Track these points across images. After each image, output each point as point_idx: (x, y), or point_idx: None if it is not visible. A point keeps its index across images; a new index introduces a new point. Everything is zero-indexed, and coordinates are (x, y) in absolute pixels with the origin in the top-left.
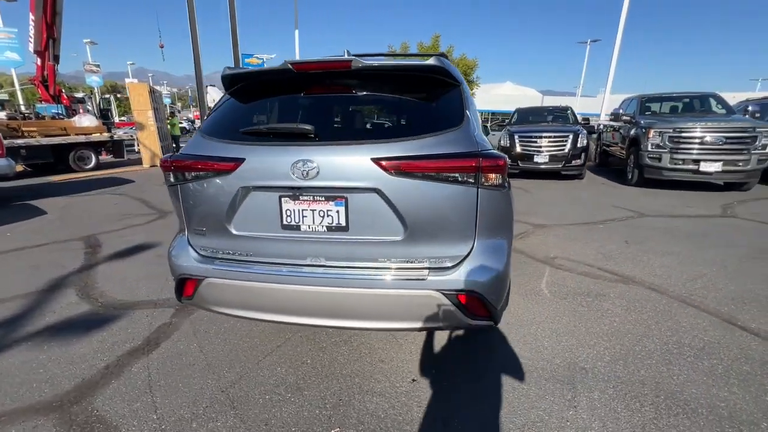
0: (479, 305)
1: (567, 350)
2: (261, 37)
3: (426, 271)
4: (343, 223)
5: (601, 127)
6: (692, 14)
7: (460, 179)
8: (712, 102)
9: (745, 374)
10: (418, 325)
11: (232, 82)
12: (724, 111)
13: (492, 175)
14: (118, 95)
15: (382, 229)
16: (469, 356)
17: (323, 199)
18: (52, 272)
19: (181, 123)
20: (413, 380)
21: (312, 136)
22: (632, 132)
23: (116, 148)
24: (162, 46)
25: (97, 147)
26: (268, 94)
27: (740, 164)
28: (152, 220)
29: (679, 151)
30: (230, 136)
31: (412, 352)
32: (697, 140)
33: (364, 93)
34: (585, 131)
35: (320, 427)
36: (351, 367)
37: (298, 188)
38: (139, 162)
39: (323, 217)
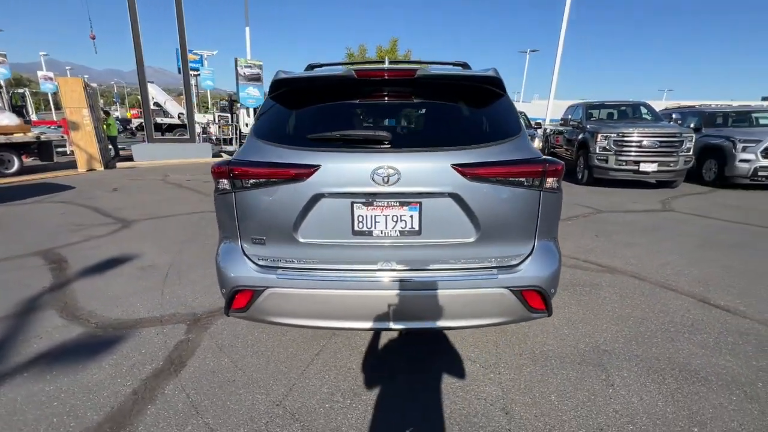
0: (539, 300)
1: (587, 336)
2: (205, 32)
3: (495, 270)
4: (416, 228)
5: (548, 131)
6: (615, 32)
7: (526, 183)
8: (643, 110)
9: (731, 344)
10: (486, 322)
11: (281, 85)
12: (652, 118)
13: (552, 180)
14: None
15: (454, 232)
16: (503, 348)
17: (397, 204)
18: (18, 293)
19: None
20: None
21: (387, 143)
22: (581, 136)
23: (43, 150)
24: (93, 38)
25: (19, 149)
26: (325, 100)
27: (671, 165)
28: (116, 231)
29: (622, 153)
30: (297, 142)
31: (448, 350)
32: (636, 144)
33: (423, 100)
34: (539, 134)
35: (394, 430)
36: (397, 369)
37: (374, 194)
38: (71, 165)
39: (396, 222)
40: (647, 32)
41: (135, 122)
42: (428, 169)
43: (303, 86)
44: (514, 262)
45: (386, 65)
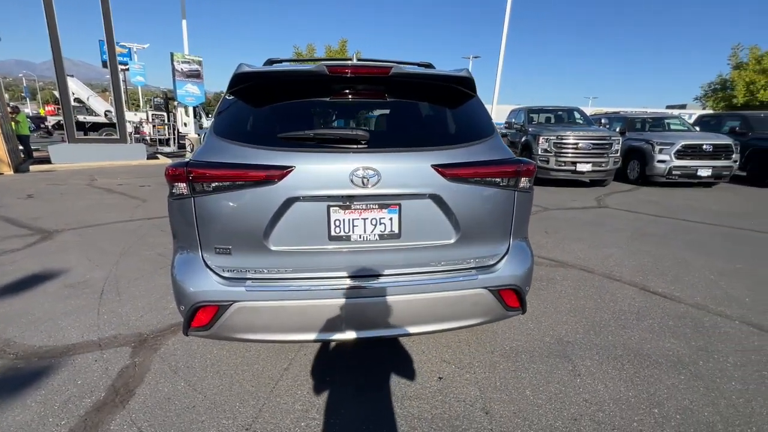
0: (515, 298)
1: (550, 329)
2: (134, 23)
3: (474, 271)
4: (396, 231)
5: None
6: (549, 42)
7: (502, 183)
8: (576, 114)
9: (672, 328)
10: (466, 323)
11: (245, 79)
12: (584, 122)
13: (525, 179)
14: None
15: (434, 234)
16: (475, 347)
17: (377, 206)
18: None
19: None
20: (440, 378)
21: (364, 143)
22: (524, 138)
23: None
24: None
25: None
26: (293, 97)
27: (603, 165)
28: (33, 243)
29: (561, 154)
30: (266, 141)
31: (421, 353)
32: (573, 146)
33: (398, 99)
34: None
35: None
36: (374, 377)
37: (352, 197)
38: None
39: (375, 225)
40: (577, 43)
41: (51, 120)
42: (408, 169)
43: (269, 81)
44: (491, 262)
45: (356, 62)
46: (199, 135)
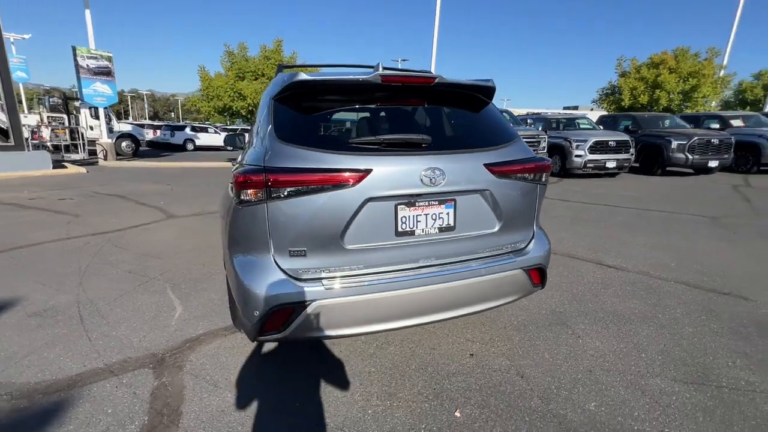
0: (540, 275)
1: (542, 303)
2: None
3: (512, 255)
4: (452, 224)
5: None
6: (472, 45)
7: (532, 178)
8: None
9: (630, 291)
10: (505, 301)
11: (301, 87)
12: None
13: (545, 174)
14: None
15: (482, 225)
16: (489, 325)
17: (437, 203)
18: None
19: None
20: (471, 355)
21: (425, 145)
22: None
23: None
24: None
25: None
26: (348, 103)
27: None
28: None
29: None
30: (337, 146)
31: (446, 336)
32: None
33: (438, 106)
34: None
35: (440, 415)
36: (416, 361)
37: (418, 195)
38: None
39: (435, 219)
40: (494, 46)
41: None
42: (466, 168)
43: (325, 88)
44: (522, 246)
45: (403, 72)
46: (112, 140)
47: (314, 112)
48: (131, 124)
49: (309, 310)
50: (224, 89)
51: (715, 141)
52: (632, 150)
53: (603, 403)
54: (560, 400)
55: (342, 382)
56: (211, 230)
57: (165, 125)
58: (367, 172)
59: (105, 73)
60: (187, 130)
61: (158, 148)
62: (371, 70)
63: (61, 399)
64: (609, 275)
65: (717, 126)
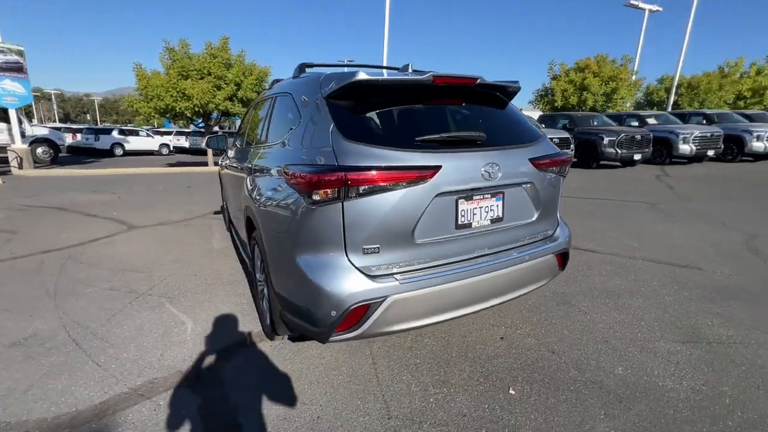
0: (563, 259)
1: (543, 288)
2: None
3: (546, 241)
4: (501, 215)
5: None
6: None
7: (559, 170)
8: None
9: (611, 270)
10: (539, 285)
11: (361, 87)
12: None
13: (568, 167)
14: None
15: (524, 215)
16: (504, 311)
17: (489, 196)
18: None
19: None
20: (501, 338)
21: (479, 142)
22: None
23: None
24: None
25: None
26: (403, 103)
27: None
28: None
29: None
30: (403, 144)
31: (471, 324)
32: (632, 139)
33: (477, 105)
34: None
35: (497, 394)
36: (454, 349)
37: (476, 189)
38: None
39: (488, 212)
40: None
41: None
42: (515, 163)
43: (383, 88)
44: (551, 233)
45: (449, 73)
46: (27, 146)
47: (372, 111)
48: (48, 127)
49: (384, 305)
50: (165, 89)
51: (638, 137)
52: (572, 146)
53: (627, 367)
54: (592, 369)
55: (394, 376)
56: (187, 240)
57: (87, 128)
58: (438, 168)
59: (16, 69)
60: (115, 133)
61: (80, 154)
62: (413, 71)
63: (97, 429)
64: (589, 258)
65: (636, 124)
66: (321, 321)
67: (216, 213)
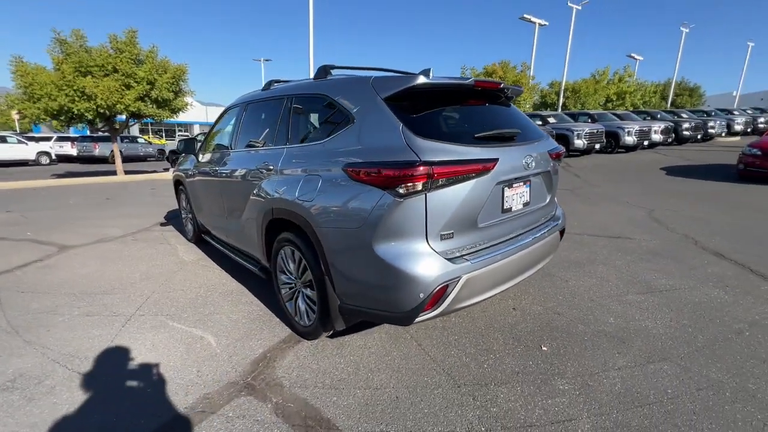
0: (562, 234)
1: None
2: None
3: (554, 220)
4: (528, 200)
5: None
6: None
7: (560, 161)
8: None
9: (569, 246)
10: (550, 257)
11: (422, 90)
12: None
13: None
14: None
15: (541, 199)
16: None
17: (521, 183)
18: None
19: None
20: (513, 309)
21: (515, 137)
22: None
23: None
24: None
25: None
26: (453, 103)
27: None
28: None
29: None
30: (465, 140)
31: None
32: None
33: (501, 106)
34: None
35: (534, 352)
36: (481, 323)
37: (517, 178)
38: None
39: (521, 197)
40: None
41: None
42: (542, 155)
43: (436, 90)
44: (554, 213)
45: (482, 78)
46: None
47: (429, 111)
48: None
49: (459, 284)
50: (58, 87)
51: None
52: None
53: (615, 317)
54: (593, 322)
55: (444, 353)
56: (146, 256)
57: None
58: (496, 160)
59: None
60: None
61: None
62: (454, 76)
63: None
64: (575, 237)
65: (540, 123)
66: (408, 304)
67: (163, 224)
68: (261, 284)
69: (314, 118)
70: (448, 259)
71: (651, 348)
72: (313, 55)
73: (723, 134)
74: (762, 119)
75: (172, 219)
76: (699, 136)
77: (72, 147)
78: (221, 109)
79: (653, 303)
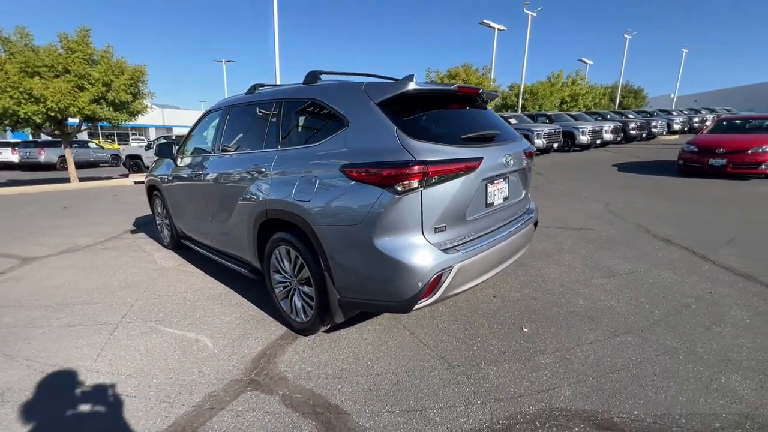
0: (535, 226)
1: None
2: None
3: (528, 213)
4: (507, 195)
5: None
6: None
7: (532, 159)
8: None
9: (538, 237)
10: (527, 246)
11: (411, 95)
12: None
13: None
14: None
15: (518, 194)
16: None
17: (502, 180)
18: None
19: None
20: (494, 296)
21: (496, 138)
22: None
23: None
24: None
25: None
26: (438, 107)
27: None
28: None
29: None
30: (451, 141)
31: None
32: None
33: (479, 109)
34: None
35: (516, 333)
36: (466, 311)
37: (498, 175)
38: None
39: (502, 192)
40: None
41: None
42: (518, 154)
43: (425, 95)
44: (529, 206)
45: (463, 84)
46: None
47: (419, 114)
48: None
49: (452, 273)
50: (1, 88)
51: None
52: None
53: (584, 298)
54: (565, 304)
55: (435, 339)
56: (121, 264)
57: None
58: (481, 159)
59: None
60: None
61: None
62: (443, 83)
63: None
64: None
65: None
66: (407, 293)
67: (133, 232)
68: (248, 285)
69: (306, 121)
70: (442, 250)
71: (616, 323)
72: (279, 57)
73: (664, 133)
74: (696, 119)
75: (143, 226)
76: (644, 135)
77: (13, 153)
78: (179, 112)
79: (615, 285)
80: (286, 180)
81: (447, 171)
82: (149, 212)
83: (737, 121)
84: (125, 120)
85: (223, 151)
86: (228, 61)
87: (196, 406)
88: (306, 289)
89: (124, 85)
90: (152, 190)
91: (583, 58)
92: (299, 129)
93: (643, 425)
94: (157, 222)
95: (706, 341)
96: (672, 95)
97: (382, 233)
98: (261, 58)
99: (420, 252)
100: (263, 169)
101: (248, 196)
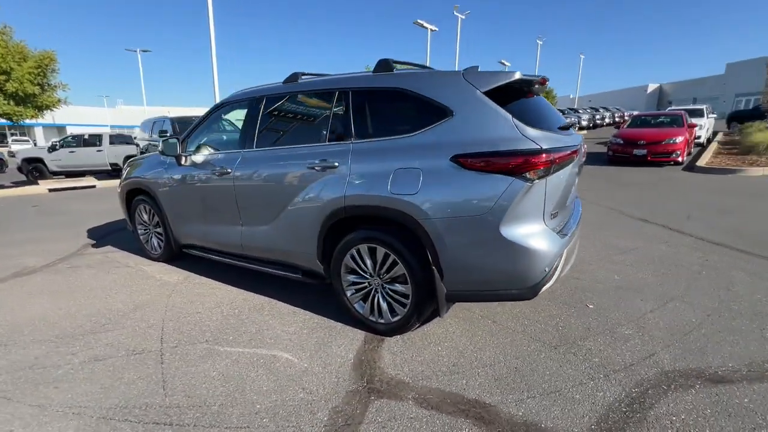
0: None
1: None
2: None
3: (577, 197)
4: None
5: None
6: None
7: None
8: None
9: None
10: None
11: (517, 83)
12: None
13: None
14: None
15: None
16: None
17: (577, 168)
18: None
19: None
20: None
21: (568, 127)
22: None
23: None
24: None
25: None
26: (519, 96)
27: None
28: None
29: None
30: (553, 128)
31: None
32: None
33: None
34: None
35: (578, 307)
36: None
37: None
38: None
39: (576, 180)
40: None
41: None
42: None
43: (522, 85)
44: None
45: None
46: None
47: (515, 102)
48: None
49: (564, 255)
50: None
51: None
52: None
53: (617, 273)
54: (604, 280)
55: (521, 325)
56: (110, 284)
57: None
58: (579, 146)
59: None
60: None
61: None
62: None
63: None
64: None
65: None
66: (534, 278)
67: (96, 246)
68: (289, 292)
69: (391, 112)
70: (560, 234)
71: (658, 293)
72: (215, 48)
73: (576, 129)
74: (598, 116)
75: (105, 237)
76: None
77: None
78: (76, 109)
79: (632, 260)
80: (373, 174)
81: (565, 158)
82: (99, 222)
83: (650, 118)
84: (31, 116)
85: (261, 146)
86: (144, 51)
87: (328, 425)
88: (398, 287)
89: (30, 74)
90: (136, 194)
91: (502, 60)
92: (380, 120)
93: (743, 374)
94: (140, 232)
95: (735, 300)
96: (572, 96)
97: (509, 221)
98: (186, 48)
99: (546, 237)
100: (336, 164)
101: (311, 194)
